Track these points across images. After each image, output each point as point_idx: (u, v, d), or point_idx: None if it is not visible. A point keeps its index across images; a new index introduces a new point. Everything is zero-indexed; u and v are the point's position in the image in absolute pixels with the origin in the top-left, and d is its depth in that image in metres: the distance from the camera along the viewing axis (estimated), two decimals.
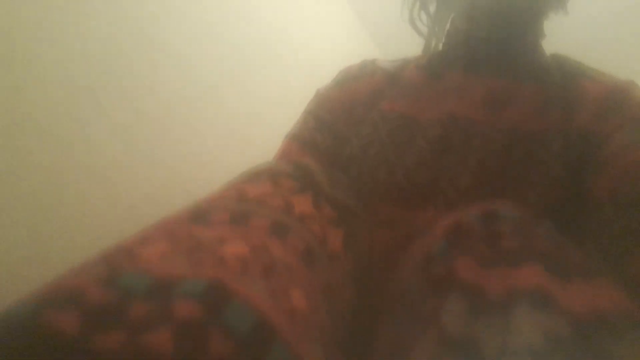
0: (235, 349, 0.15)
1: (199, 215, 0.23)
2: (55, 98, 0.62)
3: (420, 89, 0.43)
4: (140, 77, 0.76)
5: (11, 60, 0.57)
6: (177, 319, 0.15)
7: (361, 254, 0.30)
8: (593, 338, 0.16)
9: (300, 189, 0.28)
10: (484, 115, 0.39)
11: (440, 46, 0.46)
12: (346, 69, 0.49)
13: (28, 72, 0.59)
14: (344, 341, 0.23)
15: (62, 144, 0.62)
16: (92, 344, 0.13)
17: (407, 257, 0.27)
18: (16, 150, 0.57)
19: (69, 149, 0.63)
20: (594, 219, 0.32)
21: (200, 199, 0.25)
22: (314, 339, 0.19)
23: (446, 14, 0.47)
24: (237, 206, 0.24)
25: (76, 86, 0.64)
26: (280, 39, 1.16)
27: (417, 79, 0.44)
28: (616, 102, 0.38)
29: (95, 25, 0.68)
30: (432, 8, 0.47)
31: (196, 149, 0.86)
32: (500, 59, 0.41)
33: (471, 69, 0.41)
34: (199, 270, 0.17)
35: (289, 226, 0.24)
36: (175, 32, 0.83)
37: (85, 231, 0.65)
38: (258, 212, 0.23)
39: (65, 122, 0.63)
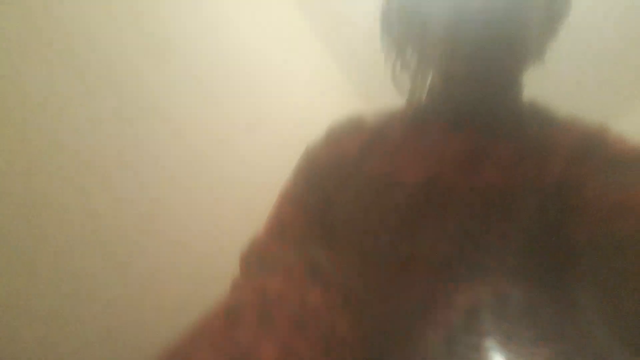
0: None
1: (231, 315, 0.27)
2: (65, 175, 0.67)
3: (402, 148, 0.44)
4: (143, 147, 0.82)
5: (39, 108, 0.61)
6: None
7: (367, 330, 0.34)
8: None
9: (312, 283, 0.32)
10: (462, 176, 0.40)
11: (423, 98, 0.48)
12: (333, 126, 0.49)
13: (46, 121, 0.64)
14: None
15: (69, 216, 0.67)
16: None
17: (426, 331, 0.32)
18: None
19: (75, 219, 0.68)
20: (577, 266, 0.32)
21: (228, 297, 0.30)
22: None
23: (426, 72, 0.49)
24: (261, 304, 0.29)
25: (81, 158, 0.70)
26: (269, 97, 1.23)
27: (401, 137, 0.45)
28: (588, 147, 0.39)
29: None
30: (412, 65, 0.50)
31: (192, 210, 0.92)
32: (479, 116, 0.42)
33: (451, 127, 0.42)
34: None
35: (306, 321, 0.28)
36: (174, 103, 0.90)
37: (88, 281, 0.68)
38: (280, 309, 0.28)
39: (70, 195, 0.68)
